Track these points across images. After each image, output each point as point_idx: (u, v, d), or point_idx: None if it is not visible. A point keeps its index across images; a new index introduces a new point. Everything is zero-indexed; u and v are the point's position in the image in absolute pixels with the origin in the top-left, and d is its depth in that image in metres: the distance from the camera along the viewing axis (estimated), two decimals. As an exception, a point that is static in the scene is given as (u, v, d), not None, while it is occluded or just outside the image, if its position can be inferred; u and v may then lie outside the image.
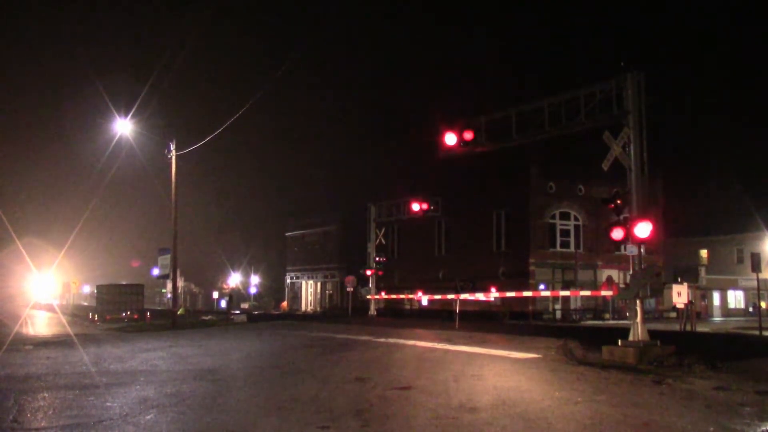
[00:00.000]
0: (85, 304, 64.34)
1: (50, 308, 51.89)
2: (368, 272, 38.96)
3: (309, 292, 66.59)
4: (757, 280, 26.06)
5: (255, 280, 68.79)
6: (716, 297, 48.91)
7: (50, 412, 8.86)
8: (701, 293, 42.39)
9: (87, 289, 67.51)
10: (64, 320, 31.98)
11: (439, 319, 31.50)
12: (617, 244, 15.88)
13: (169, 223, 31.69)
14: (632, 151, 14.98)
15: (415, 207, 34.34)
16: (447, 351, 16.27)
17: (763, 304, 28.97)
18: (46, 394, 10.26)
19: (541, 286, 39.61)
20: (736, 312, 48.17)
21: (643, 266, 14.89)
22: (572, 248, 42.66)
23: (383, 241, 41.98)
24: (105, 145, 31.68)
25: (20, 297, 64.85)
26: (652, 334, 14.60)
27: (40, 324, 33.96)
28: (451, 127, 18.79)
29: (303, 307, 65.60)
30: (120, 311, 37.86)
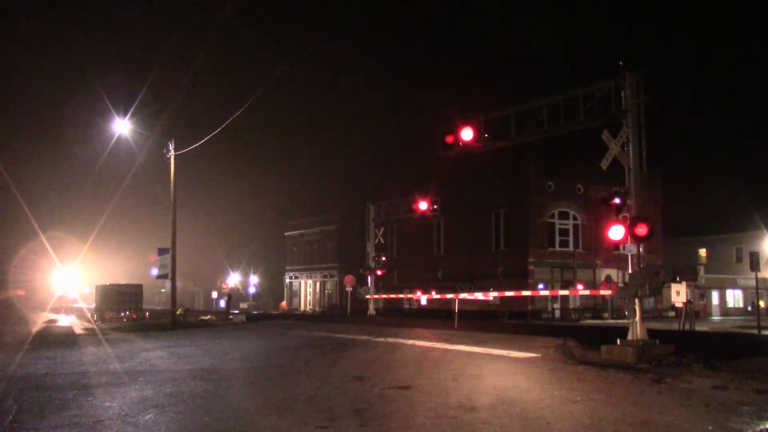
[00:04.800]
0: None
1: (80, 313, 46.00)
2: (367, 272, 38.96)
3: (308, 291, 66.58)
4: (756, 279, 26.13)
5: (254, 279, 68.64)
6: (715, 296, 48.95)
7: (49, 413, 8.85)
8: (700, 292, 42.38)
9: (86, 289, 66.99)
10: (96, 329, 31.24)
11: (438, 318, 31.51)
12: (616, 244, 15.86)
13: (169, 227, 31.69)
14: (631, 150, 14.99)
15: (423, 206, 34.07)
16: (446, 350, 16.28)
17: (761, 303, 29.05)
18: (45, 394, 10.25)
19: (540, 286, 39.61)
20: (734, 311, 48.22)
21: (642, 265, 14.90)
22: (571, 247, 42.68)
23: (382, 240, 41.99)
24: (109, 143, 31.55)
25: (44, 292, 62.86)
26: (651, 333, 14.62)
27: (39, 322, 33.93)
28: (450, 127, 18.79)
29: (302, 307, 65.59)
30: (119, 311, 37.81)
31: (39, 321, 37.17)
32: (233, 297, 47.04)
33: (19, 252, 59.45)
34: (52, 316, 44.53)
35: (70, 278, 54.33)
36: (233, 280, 67.34)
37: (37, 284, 63.67)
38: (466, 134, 18.48)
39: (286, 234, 70.23)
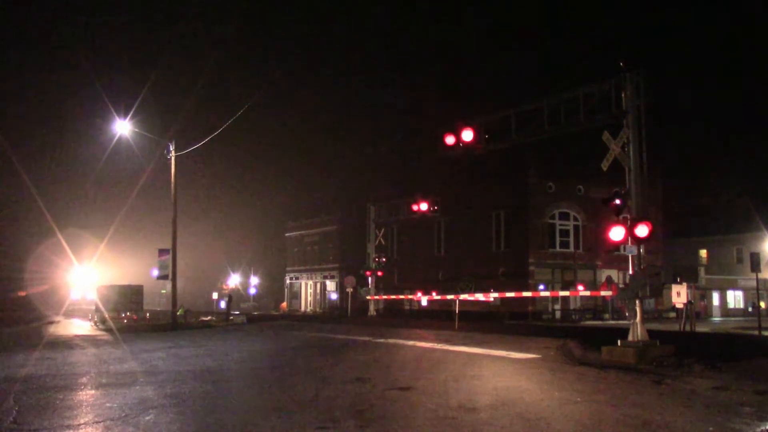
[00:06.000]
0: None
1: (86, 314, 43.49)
2: (368, 273, 38.98)
3: (308, 292, 66.59)
4: (756, 280, 26.07)
5: (254, 280, 68.69)
6: (715, 297, 48.93)
7: (50, 413, 8.85)
8: (700, 293, 42.39)
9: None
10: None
11: (438, 319, 31.53)
12: (617, 245, 15.85)
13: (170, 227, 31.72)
14: (631, 151, 15.00)
15: (423, 207, 34.05)
16: (447, 351, 16.28)
17: (762, 304, 28.99)
18: (45, 395, 10.25)
19: (541, 287, 39.61)
20: (735, 312, 48.19)
21: (642, 266, 14.91)
22: (572, 248, 42.67)
23: (383, 241, 42.01)
24: (118, 143, 31.55)
25: (63, 291, 61.26)
26: (652, 334, 14.62)
27: (38, 324, 33.95)
28: (450, 128, 18.81)
29: (302, 308, 65.60)
30: (119, 312, 37.75)
31: (46, 322, 37.21)
32: (234, 298, 47.03)
33: (37, 250, 58.92)
34: (58, 317, 44.43)
35: (87, 277, 53.16)
36: (234, 281, 67.40)
37: (57, 283, 62.96)
38: (467, 135, 18.51)
39: (286, 235, 70.27)
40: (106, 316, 35.45)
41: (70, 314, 48.97)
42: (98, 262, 54.40)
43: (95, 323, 33.72)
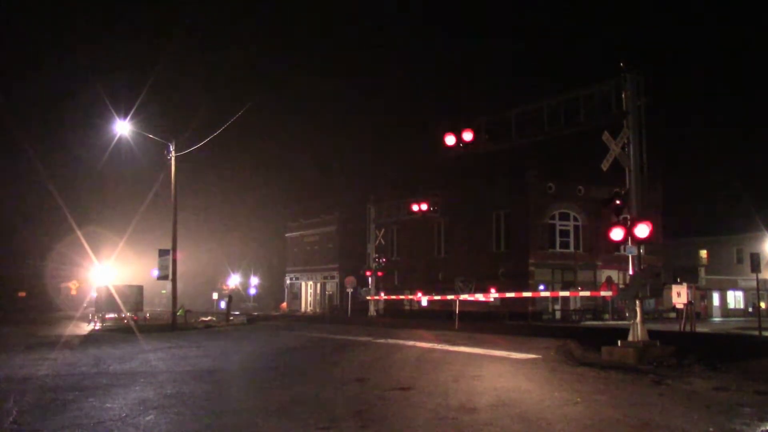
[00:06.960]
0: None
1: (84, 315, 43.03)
2: (368, 273, 38.99)
3: (308, 293, 66.57)
4: (757, 280, 26.08)
5: (254, 281, 68.67)
6: (716, 297, 48.92)
7: (50, 414, 8.85)
8: (701, 294, 42.31)
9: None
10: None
11: (438, 319, 31.53)
12: (617, 245, 15.87)
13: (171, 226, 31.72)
14: (631, 152, 15.02)
15: (423, 207, 34.12)
16: (447, 352, 16.29)
17: (762, 305, 28.99)
18: (45, 396, 10.25)
19: (541, 287, 39.59)
20: (735, 312, 48.20)
21: (642, 266, 14.91)
22: (572, 249, 42.66)
23: (383, 241, 42.04)
24: (126, 142, 31.56)
25: (84, 288, 60.24)
26: (652, 334, 14.63)
27: (41, 324, 33.94)
28: (450, 128, 18.84)
29: (302, 308, 65.58)
30: (119, 312, 37.72)
31: (47, 321, 37.21)
32: (234, 298, 47.01)
33: (57, 248, 58.55)
34: (64, 317, 44.40)
35: (106, 276, 52.42)
36: (234, 281, 67.34)
37: (79, 281, 62.58)
38: (467, 135, 18.54)
39: (286, 235, 70.24)
40: (108, 316, 35.55)
41: (85, 314, 48.58)
42: (126, 259, 54.04)
43: (96, 323, 33.74)
